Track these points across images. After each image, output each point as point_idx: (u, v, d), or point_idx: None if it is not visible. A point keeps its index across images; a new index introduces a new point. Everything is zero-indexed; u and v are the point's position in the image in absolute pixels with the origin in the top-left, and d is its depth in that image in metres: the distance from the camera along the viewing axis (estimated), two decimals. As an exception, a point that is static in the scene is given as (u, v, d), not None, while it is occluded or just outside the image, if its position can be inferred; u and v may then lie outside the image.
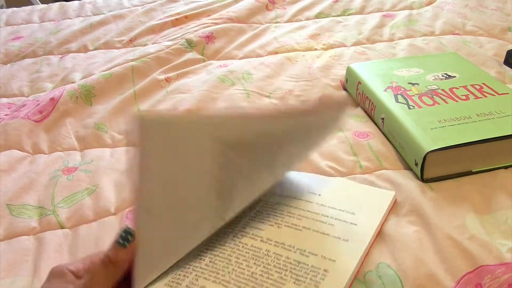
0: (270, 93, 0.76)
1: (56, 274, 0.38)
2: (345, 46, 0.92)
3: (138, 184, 0.36)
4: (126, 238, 0.39)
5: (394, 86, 0.67)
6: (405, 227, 0.48)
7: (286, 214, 0.47)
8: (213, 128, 0.38)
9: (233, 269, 0.42)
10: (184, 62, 0.89)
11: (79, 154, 0.67)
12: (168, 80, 0.83)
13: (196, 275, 0.41)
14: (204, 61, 0.90)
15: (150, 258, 0.40)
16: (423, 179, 0.54)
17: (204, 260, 0.43)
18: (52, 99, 0.76)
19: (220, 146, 0.38)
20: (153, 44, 0.98)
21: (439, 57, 0.76)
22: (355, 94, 0.73)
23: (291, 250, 0.43)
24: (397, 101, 0.63)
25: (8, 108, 0.79)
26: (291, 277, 0.40)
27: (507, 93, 0.63)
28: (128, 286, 0.39)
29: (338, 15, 1.07)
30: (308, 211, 0.47)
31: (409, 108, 0.61)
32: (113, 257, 0.38)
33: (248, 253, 0.43)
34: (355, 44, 0.93)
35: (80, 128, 0.72)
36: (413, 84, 0.67)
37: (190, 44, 0.93)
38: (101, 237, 0.51)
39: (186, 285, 0.40)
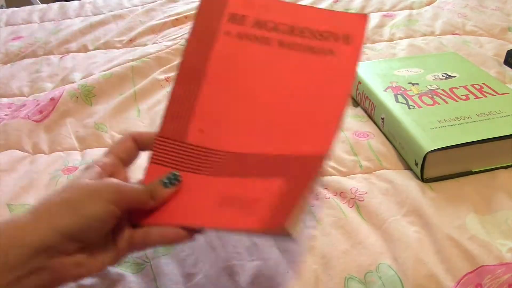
0: (270, 93, 0.76)
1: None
2: (345, 46, 0.92)
3: None
4: (172, 181, 0.39)
5: (394, 86, 0.67)
6: (405, 227, 0.48)
7: None
8: None
9: None
10: (184, 62, 0.88)
11: (79, 154, 0.67)
12: (168, 80, 0.83)
13: None
14: (204, 61, 0.90)
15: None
16: (423, 179, 0.54)
17: None
18: (52, 99, 0.76)
19: None
20: (153, 44, 0.98)
21: (439, 57, 0.76)
22: (355, 94, 0.73)
23: None
24: (397, 101, 0.63)
25: (8, 108, 0.79)
26: None
27: (507, 93, 0.63)
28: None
29: (338, 15, 1.07)
30: None
31: (409, 108, 0.61)
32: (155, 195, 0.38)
33: None
34: (355, 44, 0.93)
35: (80, 128, 0.72)
36: (413, 84, 0.67)
37: (190, 44, 0.93)
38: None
39: None
